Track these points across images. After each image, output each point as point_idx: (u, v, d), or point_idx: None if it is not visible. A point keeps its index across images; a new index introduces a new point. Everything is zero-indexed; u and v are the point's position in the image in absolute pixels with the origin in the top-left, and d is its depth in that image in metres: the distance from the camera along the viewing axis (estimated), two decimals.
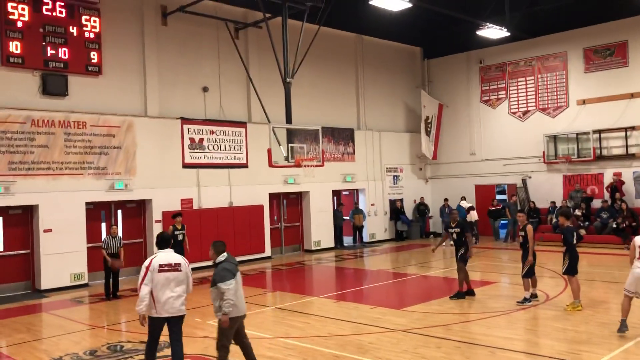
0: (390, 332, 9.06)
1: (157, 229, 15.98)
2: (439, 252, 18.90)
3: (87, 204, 15.12)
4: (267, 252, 18.97)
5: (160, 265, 6.82)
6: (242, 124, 18.49)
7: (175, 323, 7.14)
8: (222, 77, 18.33)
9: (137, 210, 16.58)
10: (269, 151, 14.73)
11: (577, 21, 20.73)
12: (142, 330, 9.85)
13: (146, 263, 6.92)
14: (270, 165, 14.98)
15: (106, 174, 15.37)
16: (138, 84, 16.52)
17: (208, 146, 17.57)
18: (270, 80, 18.45)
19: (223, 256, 6.99)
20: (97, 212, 15.68)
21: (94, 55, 15.41)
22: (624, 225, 18.23)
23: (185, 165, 17.06)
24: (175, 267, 7.01)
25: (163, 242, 7.08)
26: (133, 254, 16.34)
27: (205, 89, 17.92)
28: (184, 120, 17.08)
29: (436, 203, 24.26)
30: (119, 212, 16.31)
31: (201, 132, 17.43)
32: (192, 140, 17.22)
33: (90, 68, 15.38)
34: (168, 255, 6.98)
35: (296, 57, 16.01)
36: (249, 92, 18.65)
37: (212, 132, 17.66)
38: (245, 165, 18.45)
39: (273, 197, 19.63)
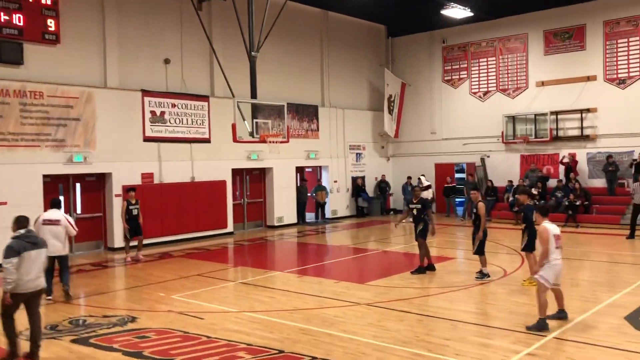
0: (355, 305, 9.22)
1: (117, 203, 15.71)
2: (399, 228, 19.26)
3: (44, 176, 14.69)
4: (230, 227, 18.90)
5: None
6: (204, 98, 18.21)
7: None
8: (184, 49, 17.95)
9: (96, 184, 16.22)
10: (234, 126, 14.58)
11: (538, 3, 21.08)
12: (104, 304, 9.79)
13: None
14: (235, 140, 14.83)
15: (64, 146, 14.94)
16: (98, 54, 16.03)
17: (170, 120, 17.26)
18: (234, 54, 18.17)
19: (20, 232, 6.89)
20: (54, 185, 15.25)
21: (51, 23, 14.84)
22: (577, 203, 18.90)
23: (146, 139, 16.73)
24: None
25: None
26: (92, 229, 16.08)
27: (167, 61, 17.54)
28: (145, 93, 16.71)
29: (397, 181, 24.59)
30: (78, 185, 15.93)
31: (163, 105, 17.09)
32: (153, 113, 16.88)
33: (47, 36, 14.80)
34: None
35: (261, 31, 15.79)
36: (212, 65, 18.35)
37: (173, 106, 17.34)
38: (207, 140, 18.22)
39: (236, 172, 19.50)
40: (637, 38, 19.40)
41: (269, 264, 14.47)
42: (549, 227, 7.73)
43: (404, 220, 12.94)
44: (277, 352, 7.03)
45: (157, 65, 17.36)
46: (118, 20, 16.39)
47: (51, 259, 9.41)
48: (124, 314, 9.03)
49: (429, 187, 21.62)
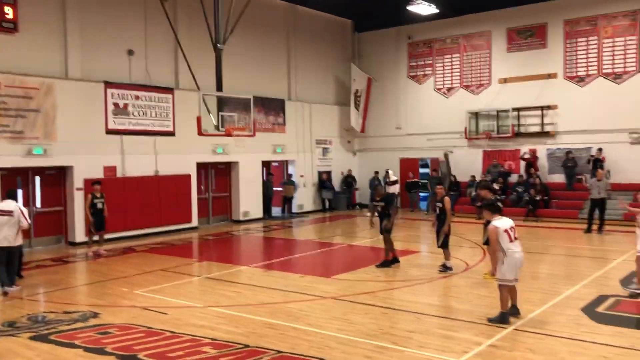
0: (320, 299, 9.26)
1: (79, 197, 15.40)
2: (364, 223, 19.40)
3: (1, 169, 14.28)
4: (194, 222, 18.72)
5: None
6: (169, 90, 17.95)
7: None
8: (149, 40, 17.64)
9: (57, 177, 15.84)
10: (199, 119, 14.43)
11: (501, 1, 21.44)
12: (65, 300, 9.59)
13: None
14: (200, 133, 14.69)
15: (23, 138, 14.52)
16: (58, 44, 15.62)
17: (133, 112, 16.96)
18: (200, 46, 17.93)
19: None
20: (12, 178, 14.82)
21: (8, 11, 14.35)
22: (537, 198, 19.37)
23: (109, 132, 16.40)
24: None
25: None
26: (52, 223, 15.71)
27: (130, 52, 17.21)
28: (108, 84, 16.36)
29: (363, 175, 24.73)
30: (37, 178, 15.52)
31: (126, 97, 16.77)
32: (116, 105, 16.55)
33: (4, 24, 14.31)
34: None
35: (228, 23, 15.65)
36: (177, 57, 18.08)
37: (137, 98, 17.03)
38: (172, 133, 17.97)
39: (201, 166, 19.31)
40: (596, 37, 19.95)
41: (234, 258, 14.39)
42: (498, 225, 7.75)
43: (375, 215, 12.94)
44: (242, 346, 7.01)
45: (120, 56, 17.03)
46: (79, 10, 15.99)
47: (3, 251, 9.67)
48: (86, 310, 8.87)
49: (396, 182, 21.90)
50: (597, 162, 18.88)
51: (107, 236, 14.86)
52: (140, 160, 17.13)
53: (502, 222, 7.84)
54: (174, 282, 10.90)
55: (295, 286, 10.29)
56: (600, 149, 19.28)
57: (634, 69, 19.27)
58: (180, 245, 15.84)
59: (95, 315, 8.55)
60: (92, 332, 7.71)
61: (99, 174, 15.96)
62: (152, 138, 17.46)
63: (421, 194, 23.75)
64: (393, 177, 21.95)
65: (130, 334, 7.63)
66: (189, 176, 18.47)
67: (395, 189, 21.85)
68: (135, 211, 16.81)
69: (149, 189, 17.23)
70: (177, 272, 11.81)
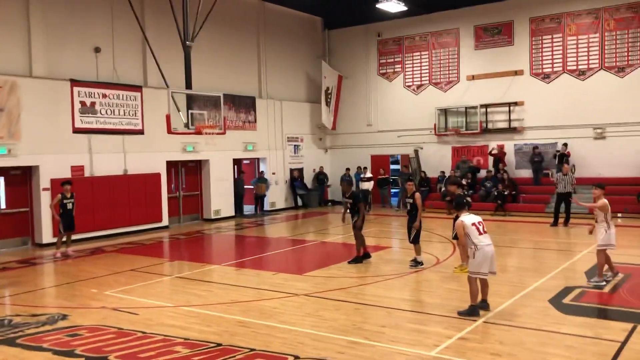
0: (293, 296, 9.28)
1: (45, 197, 15.09)
2: (336, 219, 19.48)
3: None
4: (165, 221, 18.53)
5: None
6: (137, 88, 17.70)
7: None
8: (116, 37, 17.37)
9: (22, 177, 15.49)
10: (168, 117, 14.28)
11: None
12: (32, 303, 9.41)
13: None
14: (169, 131, 14.55)
15: None
16: (21, 41, 15.26)
17: (100, 110, 16.68)
18: (168, 44, 17.75)
19: None
20: None
21: None
22: (506, 193, 19.72)
23: (76, 131, 16.11)
24: None
25: None
26: (18, 225, 15.36)
27: (97, 50, 16.92)
28: (74, 83, 16.05)
29: (335, 172, 24.81)
30: (1, 179, 15.16)
31: (93, 96, 16.49)
32: (83, 103, 16.26)
33: None
34: None
35: (196, 20, 15.52)
36: (146, 54, 17.85)
37: (104, 96, 16.76)
38: (141, 132, 17.74)
39: (171, 165, 19.11)
40: (560, 35, 20.38)
41: (205, 257, 14.30)
42: (464, 220, 7.92)
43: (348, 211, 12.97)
44: (215, 345, 6.99)
45: (86, 53, 16.72)
46: (43, 6, 15.66)
47: None
48: (54, 312, 8.71)
49: (370, 178, 22.16)
50: (562, 157, 19.30)
51: (75, 237, 14.62)
52: (108, 160, 16.87)
53: (469, 217, 8.00)
54: (145, 282, 10.78)
55: (268, 284, 10.28)
56: (565, 144, 19.72)
57: (597, 65, 19.75)
58: (150, 244, 15.66)
59: (64, 317, 8.41)
60: (61, 335, 7.58)
61: (66, 174, 15.67)
62: (121, 137, 17.21)
63: (392, 190, 23.97)
64: (367, 174, 22.19)
65: (101, 335, 7.53)
66: (158, 175, 18.26)
67: (369, 185, 22.08)
68: (104, 211, 16.57)
69: (118, 188, 16.99)
70: (147, 272, 11.68)
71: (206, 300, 9.26)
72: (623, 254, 11.39)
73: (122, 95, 17.21)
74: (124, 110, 17.26)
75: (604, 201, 9.49)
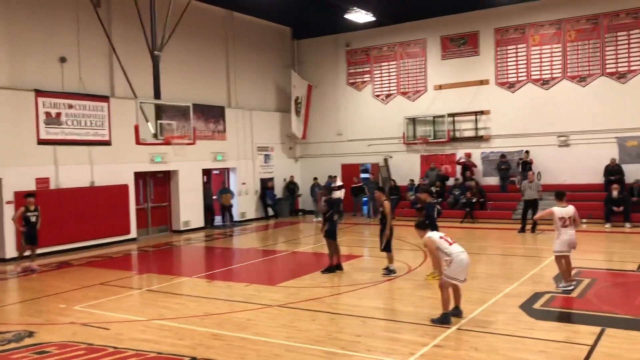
0: (267, 308, 9.21)
1: (9, 210, 14.66)
2: (308, 229, 19.50)
3: None
4: (133, 233, 18.21)
5: None
6: (104, 99, 17.42)
7: None
8: (82, 47, 17.06)
9: None
10: (136, 127, 14.06)
11: (436, 10, 22.08)
12: None
13: None
14: (138, 142, 14.31)
15: None
16: None
17: (66, 121, 16.35)
18: (136, 53, 17.50)
19: None
20: None
21: None
22: (474, 200, 20.02)
23: (41, 142, 15.73)
24: None
25: None
26: None
27: (62, 60, 16.59)
28: (39, 93, 15.70)
29: (306, 181, 24.81)
30: None
31: (58, 106, 16.15)
32: (48, 114, 15.90)
33: None
34: None
35: (165, 30, 15.35)
36: (113, 64, 17.58)
37: (70, 107, 16.43)
38: (108, 143, 17.44)
39: (139, 176, 18.82)
40: (524, 45, 20.87)
41: (175, 269, 14.08)
42: (432, 236, 8.17)
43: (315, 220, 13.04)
44: (189, 359, 6.88)
45: (51, 63, 16.38)
46: (6, 14, 15.29)
47: None
48: (20, 329, 8.45)
49: (341, 187, 22.17)
50: (525, 165, 19.74)
51: (41, 250, 14.25)
52: (74, 171, 16.52)
53: (435, 232, 8.34)
54: (115, 296, 10.56)
55: (241, 295, 10.18)
56: (527, 152, 20.16)
57: (560, 75, 20.28)
58: (119, 257, 15.36)
59: (30, 334, 8.17)
60: (28, 353, 7.36)
61: (31, 186, 15.28)
62: (87, 148, 16.89)
63: (364, 199, 24.08)
64: (338, 182, 22.22)
65: (70, 352, 7.33)
66: (126, 186, 17.96)
67: (340, 194, 22.09)
68: (70, 224, 16.20)
69: (84, 200, 16.64)
70: (117, 286, 11.45)
71: (178, 313, 9.12)
72: (588, 259, 11.68)
73: (89, 105, 16.91)
74: (90, 121, 16.95)
75: (548, 210, 9.74)
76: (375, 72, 24.01)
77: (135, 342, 7.59)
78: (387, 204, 11.46)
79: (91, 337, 7.90)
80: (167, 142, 14.79)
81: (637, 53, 19.06)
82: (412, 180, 22.23)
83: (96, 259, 15.04)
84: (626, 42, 19.24)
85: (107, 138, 17.40)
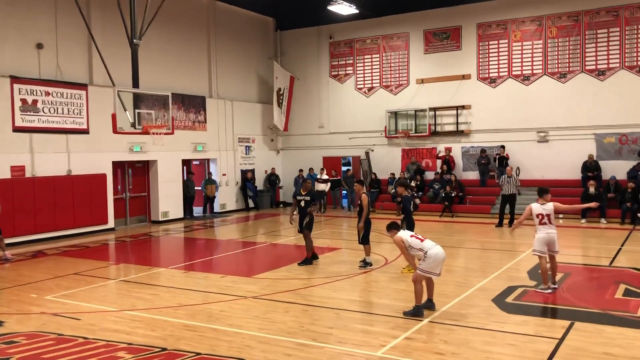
0: (241, 299, 9.18)
1: None
2: (287, 221, 19.46)
3: None
4: (111, 223, 18.03)
5: None
6: (82, 86, 17.19)
7: None
8: (60, 33, 16.80)
9: None
10: (114, 116, 13.91)
11: (419, 4, 22.11)
12: None
13: None
14: (115, 131, 14.17)
15: None
16: None
17: (43, 109, 16.11)
18: (115, 41, 17.30)
19: None
20: None
21: None
22: (453, 195, 20.14)
23: (16, 129, 15.49)
24: None
25: None
26: None
27: (39, 46, 16.32)
28: (15, 80, 15.44)
29: (287, 173, 24.76)
30: None
31: (35, 93, 15.90)
32: (24, 101, 15.65)
33: None
34: None
35: (144, 17, 15.17)
36: (91, 52, 17.34)
37: (47, 94, 16.19)
38: (86, 131, 17.23)
39: (117, 165, 18.63)
40: (506, 41, 20.98)
41: (152, 260, 13.99)
42: (402, 235, 8.20)
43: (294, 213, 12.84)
44: (159, 350, 6.84)
45: (28, 50, 16.11)
46: None
47: None
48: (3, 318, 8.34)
49: (327, 180, 22.27)
50: (502, 160, 19.90)
51: (15, 240, 14.04)
52: (51, 160, 16.30)
53: (405, 232, 8.36)
54: (88, 286, 10.46)
55: (216, 287, 10.14)
56: (503, 147, 20.32)
57: (540, 71, 20.43)
58: (95, 247, 15.21)
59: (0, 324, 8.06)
60: None
61: (6, 174, 15.06)
62: (64, 136, 16.67)
63: (344, 192, 24.13)
64: (324, 176, 22.30)
65: (39, 342, 7.24)
66: (104, 175, 17.77)
67: (325, 187, 22.16)
68: (46, 213, 16.00)
69: (61, 189, 16.44)
70: (91, 276, 11.34)
71: (152, 304, 9.06)
72: (564, 253, 11.79)
73: (66, 93, 16.67)
74: (68, 109, 16.72)
75: (527, 209, 9.48)
76: (358, 64, 23.97)
77: (107, 333, 7.52)
78: (364, 196, 11.47)
79: (61, 327, 7.82)
80: (145, 132, 14.66)
81: (616, 51, 19.27)
82: (392, 174, 22.30)
83: (72, 248, 14.88)
84: (605, 39, 19.42)
85: (84, 126, 17.18)
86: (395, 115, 22.85)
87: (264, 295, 9.36)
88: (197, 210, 21.87)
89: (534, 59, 20.55)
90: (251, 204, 23.68)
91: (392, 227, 8.55)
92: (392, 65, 23.20)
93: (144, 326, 7.82)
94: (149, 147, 18.61)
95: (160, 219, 19.81)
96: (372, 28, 23.42)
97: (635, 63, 18.98)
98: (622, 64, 19.16)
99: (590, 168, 18.90)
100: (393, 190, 20.23)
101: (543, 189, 9.72)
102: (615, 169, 18.70)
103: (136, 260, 13.72)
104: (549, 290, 9.22)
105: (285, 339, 7.15)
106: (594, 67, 19.59)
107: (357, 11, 21.15)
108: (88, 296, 9.67)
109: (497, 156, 20.26)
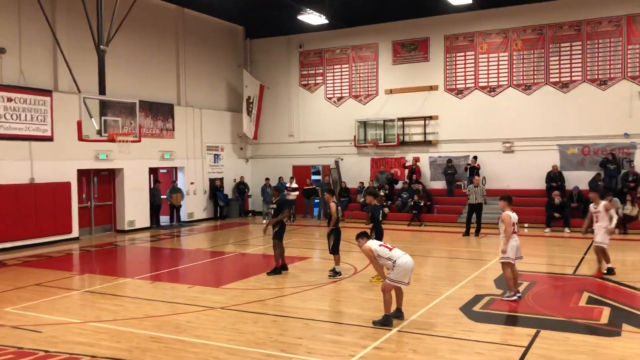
0: (209, 310, 9.05)
1: None
2: (257, 231, 19.36)
3: None
4: (75, 232, 17.63)
5: None
6: (47, 93, 16.81)
7: None
8: (23, 38, 16.43)
9: None
10: (79, 123, 13.60)
11: (388, 15, 22.35)
12: None
13: None
14: (80, 139, 13.85)
15: None
16: None
17: (5, 115, 15.69)
18: (81, 47, 17.00)
19: None
20: None
21: None
22: (421, 204, 20.32)
23: None
24: None
25: None
26: None
27: (2, 51, 15.93)
28: None
29: (256, 182, 24.63)
30: None
31: None
32: None
33: None
34: None
35: (112, 24, 14.93)
36: (56, 57, 17.00)
37: (10, 100, 15.79)
38: (50, 138, 16.84)
39: (82, 173, 18.25)
40: (473, 53, 21.35)
41: (118, 270, 13.71)
42: (370, 244, 8.19)
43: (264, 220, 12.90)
44: None
45: None
46: None
47: None
48: None
49: (296, 189, 22.23)
50: (473, 170, 20.19)
51: None
52: (13, 167, 15.89)
53: (374, 241, 8.35)
54: (51, 297, 10.18)
55: (183, 297, 9.99)
56: (475, 157, 20.64)
57: (506, 83, 20.84)
58: (58, 257, 14.84)
59: None
60: None
61: None
62: (27, 143, 16.27)
63: (315, 201, 24.13)
64: (293, 184, 22.25)
65: None
66: (68, 184, 17.38)
67: (294, 195, 22.12)
68: (7, 222, 15.55)
69: (23, 197, 16.01)
70: (54, 287, 11.04)
71: (117, 315, 8.86)
72: (528, 262, 12.01)
73: (30, 99, 16.29)
74: (31, 116, 16.34)
75: (506, 219, 9.39)
76: (327, 74, 24.08)
77: (69, 345, 7.32)
78: (332, 205, 11.50)
79: (21, 340, 7.58)
80: (111, 139, 14.36)
81: (578, 64, 19.80)
82: (362, 183, 22.40)
83: (34, 259, 14.48)
84: (568, 53, 19.95)
85: (49, 134, 16.80)
86: (364, 124, 22.99)
87: (232, 306, 9.25)
88: (165, 220, 21.56)
89: (500, 71, 20.97)
90: (221, 212, 23.45)
91: (361, 236, 8.57)
92: (361, 75, 23.37)
93: (108, 338, 7.63)
94: (116, 155, 18.30)
95: (127, 228, 19.45)
96: (342, 38, 23.58)
97: (596, 76, 19.54)
98: (584, 77, 19.70)
99: (554, 178, 19.32)
100: (362, 199, 20.33)
101: (510, 197, 9.91)
102: (578, 179, 19.16)
103: (101, 270, 13.40)
104: (515, 297, 9.34)
105: (253, 350, 7.07)
106: (557, 79, 20.08)
107: (327, 21, 21.27)
108: (50, 308, 9.41)
109: (468, 166, 20.53)
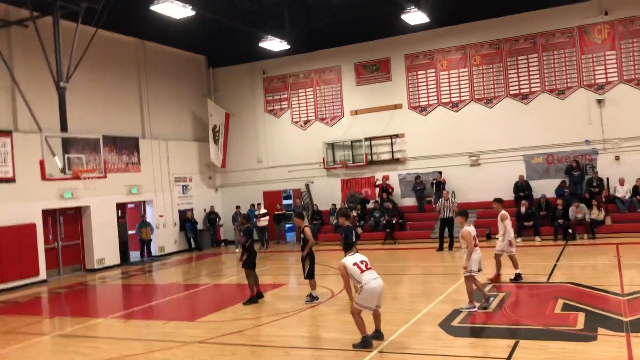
0: (185, 345, 8.83)
1: None
2: (230, 260, 19.12)
3: None
4: (42, 275, 17.11)
5: None
6: (7, 133, 16.43)
7: None
8: None
9: None
10: (42, 162, 13.36)
11: (348, 38, 22.65)
12: None
13: None
14: (44, 178, 13.59)
15: None
16: None
17: None
18: (40, 85, 16.72)
19: None
20: None
21: None
22: (393, 222, 20.39)
23: None
24: None
25: None
26: None
27: None
28: None
29: (227, 211, 24.39)
30: None
31: None
32: None
33: None
34: None
35: (71, 60, 14.79)
36: (15, 97, 16.68)
37: None
38: (11, 180, 16.42)
39: (47, 213, 17.80)
40: (434, 70, 21.75)
41: (90, 311, 13.32)
42: (345, 261, 8.07)
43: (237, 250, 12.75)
44: None
45: None
46: None
47: None
48: None
49: (266, 214, 22.09)
50: (439, 185, 20.42)
51: None
52: None
53: (352, 258, 8.13)
54: (20, 344, 9.80)
55: (159, 334, 9.74)
56: (440, 172, 20.89)
57: (468, 97, 21.24)
58: (26, 302, 14.35)
59: None
60: None
61: None
62: None
63: (287, 225, 24.01)
64: (262, 210, 22.09)
65: None
66: (33, 225, 16.91)
67: (265, 221, 21.95)
68: None
69: None
70: (23, 333, 10.66)
71: (91, 357, 8.58)
72: (502, 273, 12.12)
73: None
74: None
75: (466, 235, 9.55)
76: (292, 99, 24.19)
77: None
78: (307, 230, 11.43)
79: None
80: (76, 177, 14.13)
81: (536, 75, 20.32)
82: (334, 205, 22.39)
83: (0, 305, 13.97)
84: (526, 65, 20.48)
85: (10, 175, 16.39)
86: (332, 146, 23.09)
87: (209, 339, 9.05)
88: (135, 255, 21.13)
89: (461, 86, 21.38)
90: (194, 244, 23.13)
91: (347, 247, 8.44)
92: (326, 98, 23.54)
93: None
94: (81, 192, 17.92)
95: (96, 267, 18.97)
96: (305, 63, 23.76)
97: (554, 86, 20.07)
98: (543, 88, 20.22)
99: (522, 188, 19.65)
100: (335, 221, 20.29)
101: (467, 212, 10.28)
102: (545, 188, 19.53)
103: (72, 312, 13.03)
104: (475, 309, 9.41)
105: None
106: (517, 91, 20.56)
107: (288, 47, 21.41)
108: (21, 355, 9.07)
109: (434, 181, 20.76)
